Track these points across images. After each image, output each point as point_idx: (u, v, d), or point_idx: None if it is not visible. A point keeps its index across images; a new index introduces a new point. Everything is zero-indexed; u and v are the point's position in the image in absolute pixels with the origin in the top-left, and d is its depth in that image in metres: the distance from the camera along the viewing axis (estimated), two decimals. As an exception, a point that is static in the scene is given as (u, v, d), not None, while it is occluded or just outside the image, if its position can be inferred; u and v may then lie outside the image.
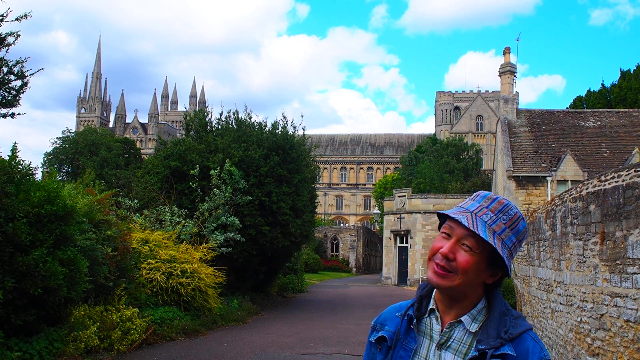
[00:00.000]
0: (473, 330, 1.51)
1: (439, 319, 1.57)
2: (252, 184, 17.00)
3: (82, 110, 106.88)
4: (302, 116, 21.56)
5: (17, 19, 10.35)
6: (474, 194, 1.61)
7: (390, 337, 1.62)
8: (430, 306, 1.59)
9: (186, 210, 15.95)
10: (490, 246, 1.49)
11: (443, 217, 1.60)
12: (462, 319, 1.53)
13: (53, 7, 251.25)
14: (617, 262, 5.58)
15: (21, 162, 8.12)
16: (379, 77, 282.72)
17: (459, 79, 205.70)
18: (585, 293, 6.52)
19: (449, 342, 1.53)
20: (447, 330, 1.54)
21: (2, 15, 10.23)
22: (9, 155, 8.10)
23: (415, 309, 1.62)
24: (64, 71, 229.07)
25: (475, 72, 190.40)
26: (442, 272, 1.51)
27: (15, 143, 8.31)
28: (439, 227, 1.63)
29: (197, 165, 16.45)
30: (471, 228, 1.48)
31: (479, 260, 1.50)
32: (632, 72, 37.57)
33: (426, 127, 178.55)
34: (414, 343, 1.57)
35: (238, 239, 15.75)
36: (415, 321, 1.60)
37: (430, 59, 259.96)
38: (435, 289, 1.61)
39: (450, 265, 1.50)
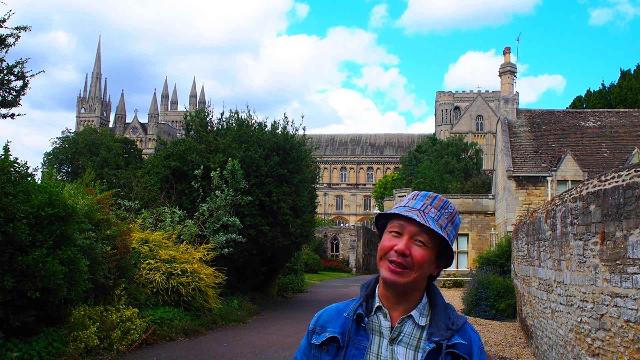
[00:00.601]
0: (422, 324, 1.60)
1: (387, 315, 1.62)
2: (252, 184, 17.00)
3: (82, 110, 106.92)
4: (302, 116, 21.60)
5: (16, 28, 10.37)
6: (412, 193, 1.70)
7: (342, 336, 1.64)
8: (377, 304, 1.65)
9: (185, 212, 15.95)
10: (438, 240, 1.61)
11: (384, 218, 1.68)
12: (412, 313, 1.61)
13: (52, 7, 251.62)
14: (617, 262, 5.58)
15: (15, 161, 8.06)
16: (378, 77, 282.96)
17: (459, 78, 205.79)
18: (585, 293, 6.52)
19: (400, 337, 1.60)
20: (399, 325, 1.60)
21: (4, 19, 10.24)
22: (2, 155, 8.05)
23: (364, 308, 1.66)
24: (63, 71, 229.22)
25: (475, 72, 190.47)
26: (399, 270, 1.57)
27: (7, 142, 8.19)
28: (378, 228, 1.72)
29: (202, 165, 16.46)
30: (425, 224, 1.58)
31: (431, 254, 1.61)
32: (632, 72, 37.57)
33: (426, 127, 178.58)
34: (366, 341, 1.62)
35: (239, 239, 15.75)
36: (366, 320, 1.64)
37: (430, 59, 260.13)
38: (377, 287, 1.68)
39: (406, 261, 1.57)
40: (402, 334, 1.60)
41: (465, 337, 1.59)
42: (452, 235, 1.65)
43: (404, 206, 1.65)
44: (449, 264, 1.68)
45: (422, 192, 1.69)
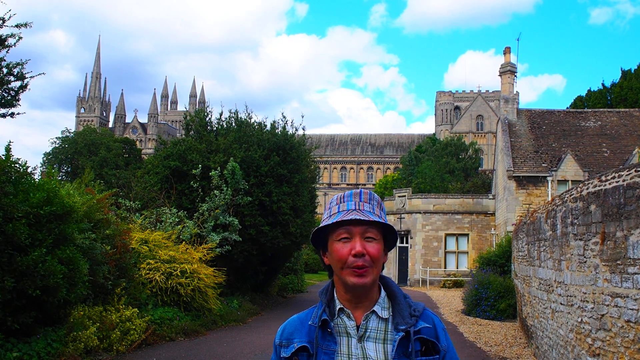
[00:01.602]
0: (385, 317, 1.65)
1: (351, 315, 1.65)
2: (252, 184, 16.99)
3: (82, 110, 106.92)
4: (302, 116, 21.61)
5: (17, 26, 10.36)
6: (335, 197, 1.71)
7: (310, 345, 1.66)
8: (339, 306, 1.67)
9: (185, 212, 15.93)
10: (382, 230, 1.65)
11: (322, 232, 1.69)
12: (375, 308, 1.65)
13: (51, 6, 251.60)
14: (618, 262, 5.57)
15: (16, 162, 8.07)
16: (378, 77, 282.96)
17: (458, 78, 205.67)
18: (585, 293, 6.51)
19: (368, 333, 1.63)
20: (364, 322, 1.63)
21: (3, 19, 10.23)
22: (3, 155, 8.06)
23: (327, 313, 1.68)
24: (62, 71, 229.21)
25: (475, 71, 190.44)
26: (362, 271, 1.60)
27: (9, 142, 8.23)
28: (318, 243, 1.73)
29: (200, 165, 16.44)
30: (370, 219, 1.62)
31: (381, 246, 1.66)
32: (633, 71, 37.55)
33: (426, 126, 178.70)
34: (335, 345, 1.64)
35: (235, 238, 15.73)
36: (331, 324, 1.66)
37: (430, 59, 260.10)
38: (335, 291, 1.70)
39: (365, 260, 1.60)
40: (369, 330, 1.63)
41: (428, 321, 1.65)
42: (386, 220, 1.70)
43: (338, 212, 1.66)
44: (393, 247, 1.73)
45: (346, 192, 1.71)
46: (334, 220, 1.64)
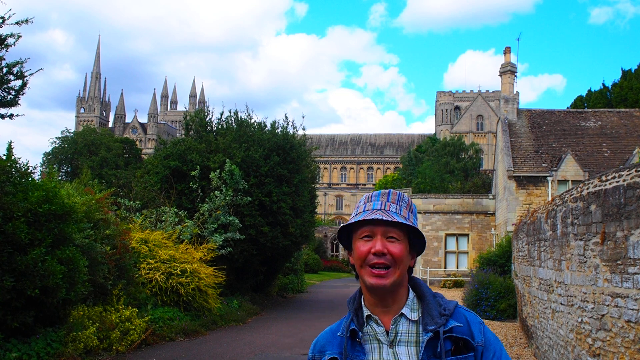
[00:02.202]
0: (415, 319, 1.61)
1: (379, 321, 1.63)
2: (252, 184, 16.99)
3: (82, 110, 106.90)
4: (303, 116, 21.58)
5: (17, 23, 10.34)
6: (364, 197, 1.71)
7: (340, 357, 1.64)
8: (366, 313, 1.65)
9: (185, 212, 15.93)
10: (407, 232, 1.63)
11: (347, 230, 1.69)
12: (403, 311, 1.62)
13: (49, 5, 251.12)
14: (618, 262, 5.56)
15: (17, 161, 8.08)
16: (378, 77, 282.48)
17: (458, 78, 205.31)
18: (586, 293, 6.50)
19: (398, 337, 1.60)
20: (393, 326, 1.61)
21: (3, 18, 10.22)
22: (5, 154, 8.07)
23: (356, 323, 1.65)
24: (61, 70, 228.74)
25: (475, 71, 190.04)
26: (383, 272, 1.58)
27: (10, 142, 8.24)
28: (343, 240, 1.73)
29: (198, 166, 16.43)
30: (391, 219, 1.60)
31: (405, 247, 1.63)
32: (633, 71, 37.55)
33: (426, 126, 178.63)
34: (363, 355, 1.62)
35: (238, 237, 15.73)
36: (360, 334, 1.64)
37: (430, 58, 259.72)
38: (363, 298, 1.68)
39: (386, 259, 1.59)
40: (399, 334, 1.61)
41: (460, 319, 1.60)
42: (415, 223, 1.68)
43: (364, 211, 1.66)
44: (422, 251, 1.71)
45: (374, 192, 1.70)
46: (357, 219, 1.64)
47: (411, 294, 1.66)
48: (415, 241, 1.67)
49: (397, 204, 1.66)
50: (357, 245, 1.64)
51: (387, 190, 1.70)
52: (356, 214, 1.67)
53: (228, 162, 16.22)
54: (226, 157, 16.81)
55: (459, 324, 1.58)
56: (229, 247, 15.57)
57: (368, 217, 1.62)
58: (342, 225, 1.71)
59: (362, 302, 1.68)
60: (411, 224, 1.63)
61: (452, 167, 47.68)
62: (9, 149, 8.12)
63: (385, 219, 1.60)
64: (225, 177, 16.12)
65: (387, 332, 1.61)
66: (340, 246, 48.97)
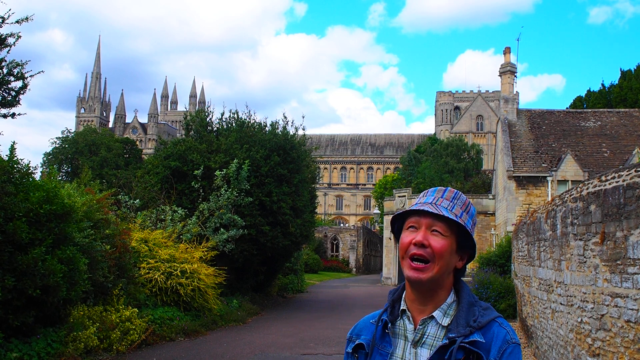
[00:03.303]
0: (445, 324, 1.56)
1: (411, 319, 1.62)
2: (252, 184, 17.01)
3: (82, 110, 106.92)
4: (303, 117, 21.59)
5: (17, 22, 10.35)
6: (423, 192, 1.71)
7: (367, 343, 1.65)
8: (402, 307, 1.64)
9: (186, 210, 15.94)
10: (457, 230, 1.60)
11: (399, 219, 1.68)
12: (434, 314, 1.58)
13: (48, 5, 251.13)
14: (618, 262, 5.57)
15: (19, 162, 8.10)
16: (377, 76, 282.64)
17: (458, 77, 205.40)
18: (585, 293, 6.51)
19: (424, 339, 1.58)
20: (420, 327, 1.59)
21: (3, 17, 10.23)
22: (7, 155, 8.09)
23: (388, 313, 1.66)
24: (60, 70, 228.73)
25: (475, 71, 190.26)
26: (421, 266, 1.56)
27: (13, 142, 8.29)
28: (395, 232, 1.72)
29: (202, 166, 16.46)
30: (438, 213, 1.58)
31: (450, 243, 1.59)
32: (632, 72, 37.55)
33: (425, 126, 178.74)
34: (390, 347, 1.61)
35: (242, 232, 15.78)
36: (390, 325, 1.63)
37: (429, 58, 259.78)
38: (404, 292, 1.67)
39: (426, 252, 1.56)
40: (426, 336, 1.58)
41: (487, 334, 1.53)
42: (470, 224, 1.64)
43: (417, 204, 1.66)
44: (474, 254, 1.66)
45: (432, 188, 1.70)
46: (406, 210, 1.65)
47: (450, 299, 1.62)
48: (465, 243, 1.63)
49: (450, 202, 1.64)
50: (402, 235, 1.64)
51: (444, 188, 1.69)
52: (410, 206, 1.68)
53: (235, 161, 16.25)
54: (228, 157, 16.84)
55: (482, 340, 1.51)
56: (231, 243, 15.58)
57: (415, 208, 1.62)
58: (394, 215, 1.71)
59: (403, 296, 1.67)
60: (459, 221, 1.60)
61: (452, 167, 47.65)
62: (12, 149, 8.14)
63: (432, 211, 1.59)
64: (231, 176, 16.13)
65: (415, 330, 1.60)
66: (340, 246, 48.89)
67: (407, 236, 1.61)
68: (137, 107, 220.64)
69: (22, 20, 10.33)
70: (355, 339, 1.71)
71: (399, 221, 1.69)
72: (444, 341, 1.52)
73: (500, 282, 16.05)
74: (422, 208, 1.60)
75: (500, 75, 30.58)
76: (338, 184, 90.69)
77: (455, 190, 1.67)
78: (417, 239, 1.57)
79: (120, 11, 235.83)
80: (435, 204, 1.62)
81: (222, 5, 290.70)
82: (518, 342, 1.55)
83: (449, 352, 1.50)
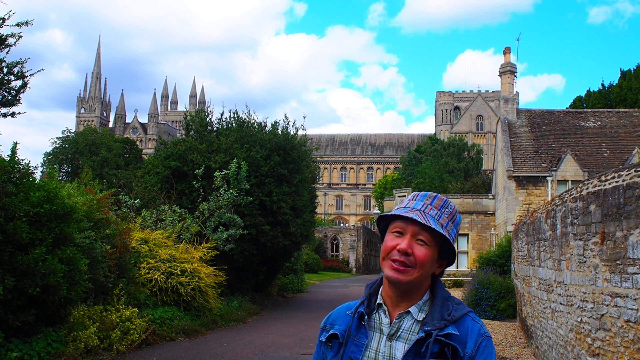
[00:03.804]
0: (420, 319, 1.62)
1: (387, 312, 1.66)
2: (252, 184, 17.01)
3: (82, 110, 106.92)
4: (304, 117, 21.61)
5: (17, 25, 10.36)
6: (412, 194, 1.73)
7: (342, 334, 1.69)
8: (378, 301, 1.68)
9: (186, 210, 15.95)
10: (440, 239, 1.63)
11: (386, 220, 1.71)
12: (410, 309, 1.63)
13: (48, 5, 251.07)
14: (618, 262, 5.57)
15: (20, 162, 8.12)
16: (377, 76, 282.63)
17: (458, 77, 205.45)
18: (585, 293, 6.52)
19: (399, 332, 1.62)
20: (397, 321, 1.63)
21: (3, 19, 10.24)
22: (8, 155, 8.10)
23: (365, 306, 1.69)
24: (60, 70, 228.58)
25: (475, 70, 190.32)
26: (402, 268, 1.60)
27: (15, 143, 8.30)
28: (380, 229, 1.75)
29: (203, 166, 16.46)
30: (425, 223, 1.60)
31: (433, 253, 1.62)
32: (632, 72, 37.56)
33: (425, 126, 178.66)
34: (365, 338, 1.65)
35: (242, 232, 15.78)
36: (366, 317, 1.67)
37: (429, 58, 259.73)
38: (381, 286, 1.71)
39: (408, 259, 1.60)
40: (401, 330, 1.63)
41: (461, 328, 1.58)
42: (454, 233, 1.68)
43: (405, 207, 1.67)
44: (452, 262, 1.70)
45: (422, 192, 1.72)
46: (393, 213, 1.67)
47: (426, 296, 1.67)
48: (447, 251, 1.66)
49: (439, 210, 1.65)
50: (387, 237, 1.67)
51: (434, 194, 1.70)
52: (398, 208, 1.69)
53: (234, 162, 16.26)
54: (228, 157, 16.85)
55: (457, 333, 1.57)
56: (230, 243, 15.58)
57: (404, 214, 1.63)
58: (381, 215, 1.73)
59: (379, 290, 1.71)
60: (444, 233, 1.62)
61: (452, 167, 47.67)
62: (13, 150, 8.16)
63: (419, 220, 1.61)
64: (231, 176, 16.14)
65: (391, 324, 1.64)
66: (340, 246, 48.81)
67: (391, 240, 1.64)
68: (137, 107, 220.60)
69: (22, 24, 10.34)
70: (329, 329, 1.74)
71: (385, 221, 1.72)
72: (420, 334, 1.56)
73: (500, 282, 16.05)
74: (410, 215, 1.62)
75: (500, 75, 30.58)
76: (338, 184, 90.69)
77: (445, 198, 1.69)
78: (401, 247, 1.60)
79: (120, 11, 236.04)
80: (423, 211, 1.63)
81: (222, 5, 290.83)
82: (490, 336, 1.63)
83: (426, 345, 1.54)
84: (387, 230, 1.70)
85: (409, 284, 1.61)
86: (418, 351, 1.56)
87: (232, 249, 15.60)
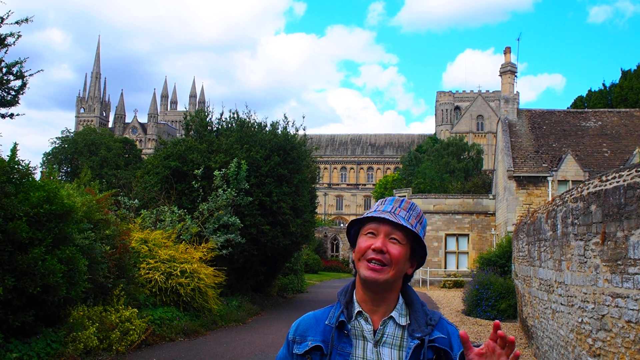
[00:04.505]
0: (403, 324, 1.67)
1: (369, 319, 1.68)
2: (252, 184, 17.00)
3: (82, 110, 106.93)
4: (304, 117, 21.55)
5: (17, 22, 10.35)
6: (380, 200, 1.80)
7: (324, 346, 1.67)
8: (357, 309, 1.70)
9: (185, 211, 15.93)
10: (411, 239, 1.70)
11: (357, 224, 1.76)
12: (392, 314, 1.68)
13: (47, 4, 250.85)
14: (618, 262, 5.56)
15: (20, 162, 8.11)
16: (377, 76, 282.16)
17: (458, 77, 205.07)
18: (586, 293, 6.50)
19: (384, 338, 1.65)
20: (381, 327, 1.66)
21: (2, 17, 10.23)
22: (8, 156, 8.09)
23: (345, 315, 1.69)
24: (59, 70, 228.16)
25: (475, 70, 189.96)
26: (378, 267, 1.64)
27: (15, 143, 8.30)
28: (351, 235, 1.80)
29: (202, 166, 16.45)
30: (398, 222, 1.67)
31: (406, 251, 1.69)
32: (632, 71, 37.55)
33: (425, 126, 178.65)
34: (350, 347, 1.65)
35: (238, 240, 15.71)
36: (348, 326, 1.67)
37: (429, 58, 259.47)
38: (355, 293, 1.73)
39: (384, 257, 1.64)
40: (386, 335, 1.65)
41: (443, 331, 1.67)
42: (422, 234, 1.75)
43: (375, 211, 1.74)
44: (422, 262, 1.77)
45: (389, 197, 1.79)
46: (365, 216, 1.73)
47: (400, 300, 1.72)
48: (418, 251, 1.73)
49: (407, 212, 1.73)
50: (360, 240, 1.72)
51: (401, 198, 1.78)
52: (368, 213, 1.75)
53: (234, 161, 16.24)
54: (228, 157, 16.84)
55: (443, 336, 1.66)
56: (229, 248, 15.54)
57: (376, 215, 1.70)
58: (353, 219, 1.78)
59: (354, 297, 1.73)
60: (415, 231, 1.70)
61: (452, 167, 47.65)
62: (13, 150, 8.15)
63: (391, 219, 1.67)
64: (230, 176, 16.11)
65: (375, 331, 1.66)
66: (340, 246, 48.79)
67: (365, 241, 1.69)
68: (137, 107, 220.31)
69: (22, 21, 10.33)
70: (301, 340, 1.71)
71: (356, 226, 1.77)
72: (414, 342, 1.62)
73: (501, 283, 16.04)
74: (382, 216, 1.68)
75: (500, 75, 30.57)
76: (338, 184, 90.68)
77: (412, 202, 1.77)
78: (376, 245, 1.65)
79: (120, 11, 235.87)
80: (393, 212, 1.70)
81: (222, 5, 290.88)
82: None
83: (422, 353, 1.61)
84: (358, 235, 1.75)
85: (385, 283, 1.65)
86: (417, 359, 1.61)
87: (230, 252, 15.52)
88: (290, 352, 1.74)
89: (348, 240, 1.83)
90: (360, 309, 1.69)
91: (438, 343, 1.63)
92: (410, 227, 1.68)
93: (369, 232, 1.70)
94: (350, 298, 1.73)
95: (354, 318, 1.69)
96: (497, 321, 1.54)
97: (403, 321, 1.67)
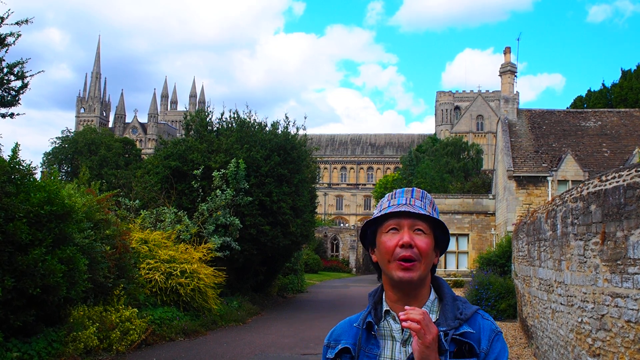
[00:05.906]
0: (433, 320, 1.58)
1: (396, 318, 1.61)
2: (252, 184, 17.01)
3: (82, 110, 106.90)
4: (305, 117, 21.64)
5: (17, 23, 10.35)
6: (388, 195, 1.72)
7: (353, 347, 1.65)
8: (385, 308, 1.65)
9: (185, 211, 15.93)
10: (433, 227, 1.64)
11: (375, 224, 1.68)
12: None
13: (46, 4, 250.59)
14: (618, 262, 5.57)
15: (21, 162, 8.11)
16: (376, 76, 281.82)
17: (457, 77, 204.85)
18: (585, 293, 6.51)
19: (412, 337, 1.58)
20: None
21: (2, 17, 10.23)
22: (9, 156, 8.10)
23: (373, 316, 1.66)
24: (58, 70, 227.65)
25: (474, 70, 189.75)
26: (409, 265, 1.57)
27: (17, 144, 8.30)
28: (367, 237, 1.71)
29: (202, 166, 16.44)
30: (418, 212, 1.61)
31: (431, 241, 1.63)
32: (632, 71, 37.56)
33: (425, 126, 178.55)
34: (377, 349, 1.62)
35: (234, 246, 15.60)
36: (375, 327, 1.64)
37: (428, 57, 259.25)
38: (384, 293, 1.68)
39: (413, 252, 1.58)
40: None
41: (474, 326, 1.59)
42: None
43: (389, 206, 1.66)
44: (445, 249, 1.71)
45: (396, 190, 1.72)
46: (383, 213, 1.64)
47: (432, 296, 1.66)
48: (440, 238, 1.68)
49: (421, 201, 1.67)
50: (383, 240, 1.64)
51: (410, 188, 1.71)
52: (380, 210, 1.67)
53: (233, 161, 16.23)
54: (228, 157, 16.84)
55: (471, 330, 1.58)
56: (226, 250, 15.39)
57: (395, 210, 1.63)
58: (366, 220, 1.70)
59: (383, 297, 1.68)
60: (437, 217, 1.65)
61: (452, 167, 47.64)
62: (14, 150, 8.16)
63: (412, 211, 1.61)
64: (229, 176, 16.11)
65: (403, 330, 1.60)
66: (340, 246, 48.62)
67: (390, 239, 1.61)
68: (137, 107, 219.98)
69: (22, 22, 10.33)
70: (335, 345, 1.70)
71: (373, 226, 1.69)
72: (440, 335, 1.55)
73: (501, 283, 16.04)
74: (401, 209, 1.62)
75: (500, 75, 30.58)
76: (338, 184, 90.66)
77: (422, 190, 1.71)
78: (404, 240, 1.58)
79: (119, 11, 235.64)
80: (410, 204, 1.64)
81: (221, 5, 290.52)
82: (501, 331, 1.64)
83: (441, 344, 1.53)
84: (376, 234, 1.67)
85: (419, 280, 1.60)
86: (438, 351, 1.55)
87: (227, 254, 15.45)
88: (324, 357, 1.73)
89: (362, 243, 1.75)
90: (388, 308, 1.65)
91: (462, 337, 1.56)
92: (431, 215, 1.63)
93: (392, 229, 1.63)
94: (379, 299, 1.69)
95: (383, 318, 1.65)
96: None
97: (433, 318, 1.61)
